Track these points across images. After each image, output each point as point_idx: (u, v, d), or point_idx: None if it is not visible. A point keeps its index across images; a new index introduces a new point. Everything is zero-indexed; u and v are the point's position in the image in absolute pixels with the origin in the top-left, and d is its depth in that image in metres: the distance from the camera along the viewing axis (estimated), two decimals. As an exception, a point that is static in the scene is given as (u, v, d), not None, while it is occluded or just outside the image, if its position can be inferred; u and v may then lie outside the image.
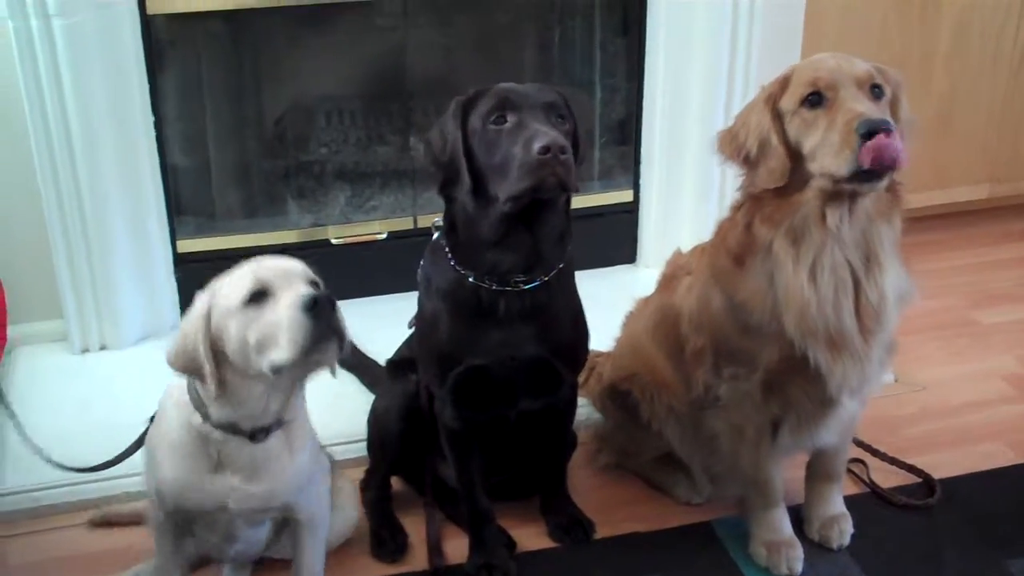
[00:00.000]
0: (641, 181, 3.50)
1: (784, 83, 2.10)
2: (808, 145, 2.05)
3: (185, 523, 2.04)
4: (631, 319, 2.61)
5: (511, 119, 2.08)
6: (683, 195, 3.38)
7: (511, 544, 2.42)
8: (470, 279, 2.18)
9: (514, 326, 2.20)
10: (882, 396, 2.91)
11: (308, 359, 1.77)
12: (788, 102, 2.08)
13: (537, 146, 2.00)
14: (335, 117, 3.49)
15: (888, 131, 1.94)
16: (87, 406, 2.87)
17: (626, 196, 3.52)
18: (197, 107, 3.25)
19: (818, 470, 2.46)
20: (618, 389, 2.54)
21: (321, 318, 1.75)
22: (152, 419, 2.05)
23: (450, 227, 2.22)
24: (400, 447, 2.46)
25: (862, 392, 2.26)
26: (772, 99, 2.10)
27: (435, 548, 2.40)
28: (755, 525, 2.41)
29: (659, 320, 2.45)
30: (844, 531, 2.43)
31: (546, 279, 2.19)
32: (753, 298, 2.15)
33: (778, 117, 2.09)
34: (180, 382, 1.94)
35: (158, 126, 3.03)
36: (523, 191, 2.04)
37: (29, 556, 2.43)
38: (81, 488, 2.55)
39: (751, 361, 2.21)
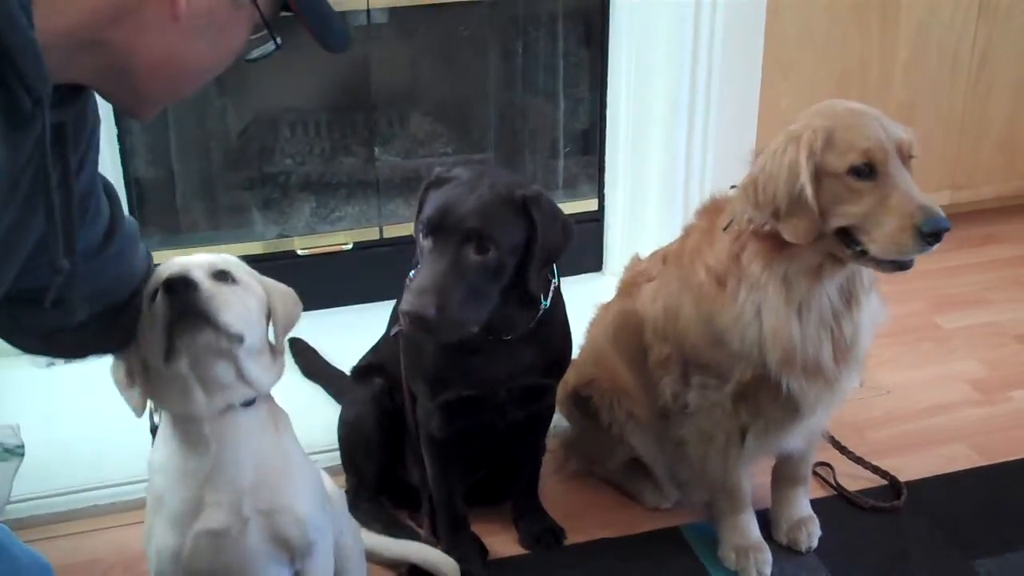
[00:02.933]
0: (606, 190, 3.51)
1: (828, 140, 2.00)
2: (846, 214, 1.99)
3: None
4: (593, 326, 2.61)
5: (428, 241, 2.04)
6: (648, 203, 3.40)
7: (484, 551, 2.42)
8: None
9: (504, 360, 2.21)
10: (847, 400, 2.91)
11: (179, 342, 1.70)
12: (834, 164, 1.98)
13: (400, 307, 2.00)
14: (299, 128, 3.49)
15: (948, 230, 1.93)
16: (55, 419, 2.84)
17: (591, 205, 3.54)
18: (161, 118, 3.23)
19: (784, 474, 2.47)
20: (580, 395, 2.54)
21: (177, 298, 1.67)
22: None
23: None
24: (384, 451, 2.45)
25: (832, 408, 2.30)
26: (814, 155, 2.00)
27: None
28: (724, 530, 2.42)
29: (619, 326, 2.46)
30: (812, 533, 2.44)
31: (529, 327, 2.20)
32: (735, 325, 2.14)
33: (815, 174, 2.00)
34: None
35: (121, 138, 3.01)
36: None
37: None
38: (48, 502, 2.55)
39: (722, 374, 2.22)
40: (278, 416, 1.91)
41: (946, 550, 2.42)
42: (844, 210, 1.99)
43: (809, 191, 1.98)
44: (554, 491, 2.61)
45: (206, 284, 1.71)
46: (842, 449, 2.66)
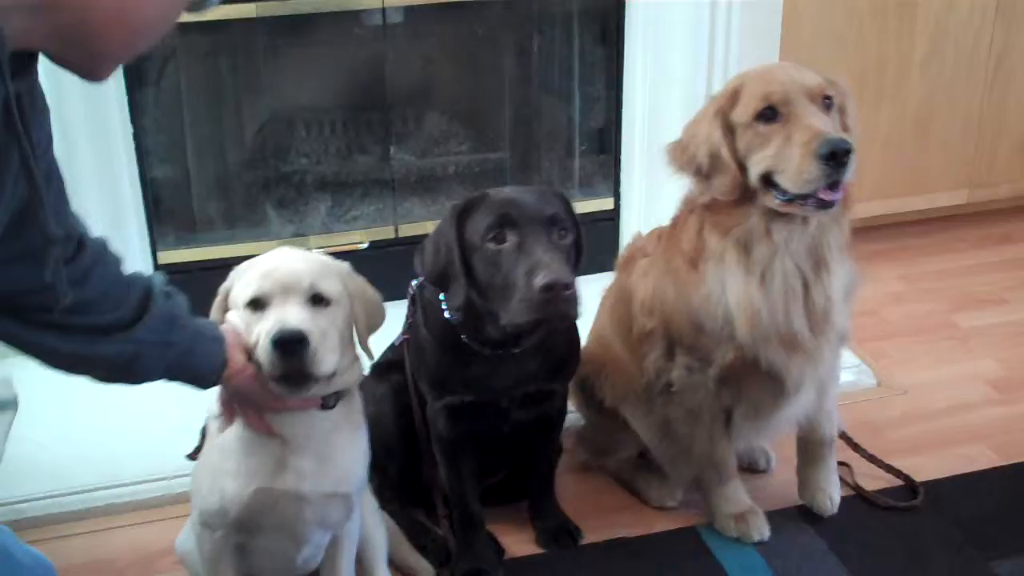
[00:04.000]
0: (621, 189, 3.51)
1: (734, 95, 2.11)
2: (760, 160, 2.08)
3: (248, 536, 1.98)
4: (598, 311, 2.61)
5: (511, 238, 2.02)
6: (663, 202, 3.34)
7: (500, 550, 2.41)
8: (463, 337, 2.17)
9: (509, 370, 2.21)
10: (865, 400, 2.95)
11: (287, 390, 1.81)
12: (740, 115, 2.09)
13: (541, 283, 1.95)
14: (315, 127, 3.49)
15: (847, 151, 1.99)
16: (71, 418, 2.84)
17: (607, 204, 3.53)
18: (177, 118, 3.24)
19: (808, 454, 2.50)
20: (580, 377, 2.54)
21: (289, 356, 1.75)
22: (203, 433, 2.04)
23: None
24: (406, 445, 2.42)
25: (817, 384, 2.32)
26: (722, 112, 2.11)
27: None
28: (715, 501, 2.47)
29: (616, 300, 2.51)
30: (834, 501, 2.49)
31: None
32: (706, 304, 2.20)
33: (729, 130, 2.11)
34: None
35: (137, 137, 3.02)
36: (525, 324, 2.01)
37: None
38: (64, 500, 2.55)
39: (705, 357, 2.26)
40: (356, 410, 2.01)
41: (965, 551, 2.40)
42: (758, 156, 2.07)
43: (724, 147, 2.10)
44: (570, 490, 2.60)
45: (311, 328, 1.78)
46: (855, 447, 2.65)
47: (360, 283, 1.96)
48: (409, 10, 3.34)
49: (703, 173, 2.13)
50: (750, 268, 2.14)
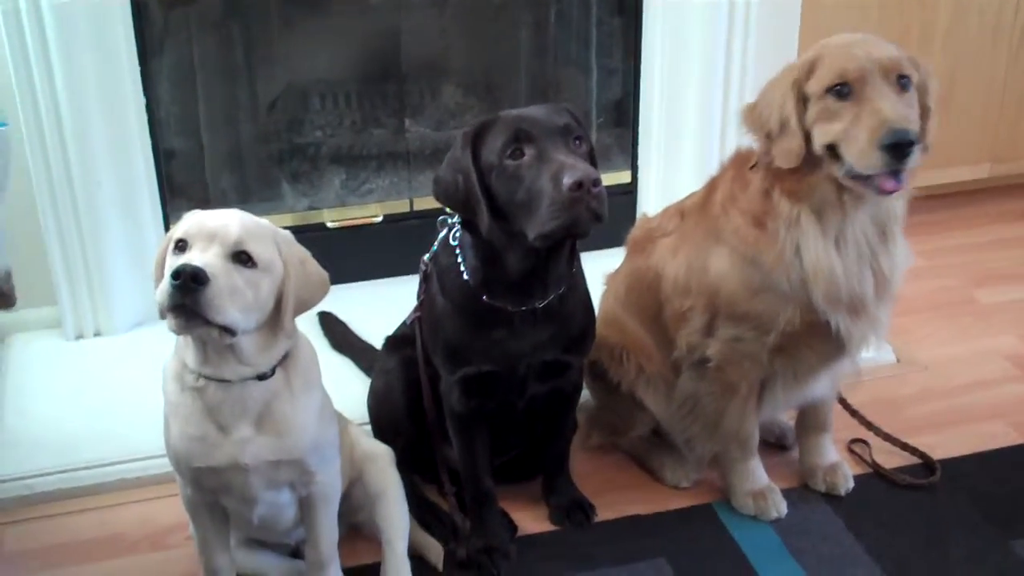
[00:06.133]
0: (639, 162, 3.48)
1: (811, 67, 2.10)
2: (825, 132, 2.08)
3: (211, 493, 1.99)
4: (605, 294, 2.59)
5: (529, 151, 2.00)
6: (681, 175, 3.36)
7: (512, 527, 2.40)
8: (484, 297, 2.15)
9: (527, 334, 2.19)
10: (884, 377, 2.92)
11: (176, 319, 1.74)
12: (814, 87, 2.09)
13: (568, 181, 1.92)
14: (330, 100, 3.47)
15: (910, 142, 1.98)
16: (82, 392, 2.84)
17: (624, 177, 3.51)
18: (190, 90, 3.22)
19: (810, 423, 2.53)
20: (591, 359, 2.51)
21: (183, 291, 1.70)
22: None
23: (466, 250, 2.17)
24: (412, 423, 2.40)
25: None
26: (798, 83, 2.11)
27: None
28: (736, 479, 2.47)
29: (631, 284, 2.48)
30: (847, 475, 2.51)
31: (560, 291, 2.18)
32: (778, 264, 2.18)
33: (802, 100, 2.11)
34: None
35: (150, 109, 3.00)
36: (556, 229, 1.96)
37: (25, 543, 2.41)
38: (75, 475, 2.55)
39: (763, 324, 2.24)
40: (300, 372, 1.95)
41: (984, 529, 2.38)
42: (823, 128, 2.08)
43: (793, 115, 2.10)
44: (584, 467, 2.59)
45: (218, 275, 1.73)
46: (868, 425, 2.64)
47: (301, 253, 1.92)
48: (425, -19, 3.32)
49: (771, 137, 2.14)
50: (826, 232, 2.15)
